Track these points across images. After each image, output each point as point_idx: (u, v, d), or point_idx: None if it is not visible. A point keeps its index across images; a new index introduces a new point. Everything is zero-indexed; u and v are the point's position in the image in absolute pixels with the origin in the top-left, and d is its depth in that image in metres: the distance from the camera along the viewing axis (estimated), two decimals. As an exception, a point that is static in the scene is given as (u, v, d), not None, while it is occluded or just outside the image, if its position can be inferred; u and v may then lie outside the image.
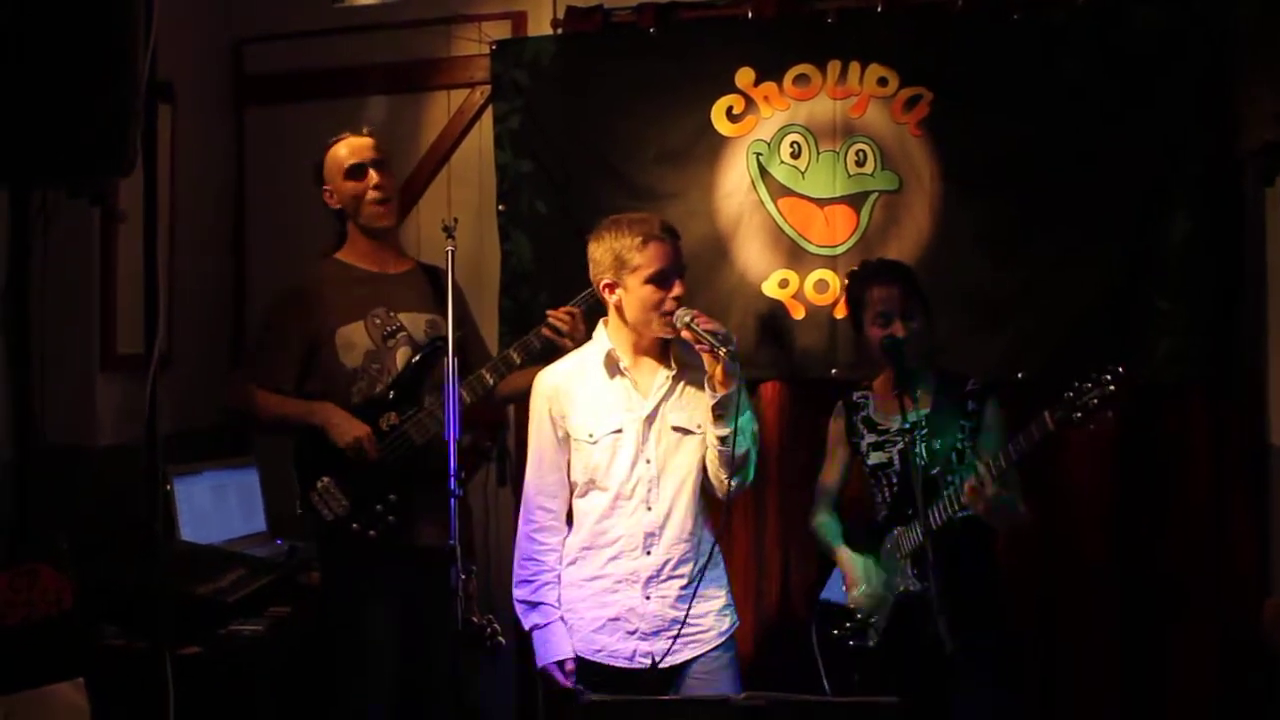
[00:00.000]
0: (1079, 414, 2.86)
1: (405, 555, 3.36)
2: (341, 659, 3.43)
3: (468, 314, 3.73)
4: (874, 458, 3.28)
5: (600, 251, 2.95)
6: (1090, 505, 3.70)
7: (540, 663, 2.99)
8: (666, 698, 2.85)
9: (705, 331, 2.79)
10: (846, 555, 3.29)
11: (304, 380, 3.49)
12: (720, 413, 2.85)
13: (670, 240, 2.92)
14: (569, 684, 2.94)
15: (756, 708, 2.22)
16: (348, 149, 3.49)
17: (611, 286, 2.95)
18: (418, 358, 3.44)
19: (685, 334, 2.85)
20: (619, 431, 2.96)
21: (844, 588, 3.28)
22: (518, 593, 3.05)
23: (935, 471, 3.14)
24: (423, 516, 3.34)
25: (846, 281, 3.44)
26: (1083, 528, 3.71)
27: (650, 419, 2.96)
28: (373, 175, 3.46)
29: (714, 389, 2.85)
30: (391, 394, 3.41)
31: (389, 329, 3.48)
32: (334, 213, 3.56)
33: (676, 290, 2.89)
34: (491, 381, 3.38)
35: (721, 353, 2.77)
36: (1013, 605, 3.35)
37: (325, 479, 3.36)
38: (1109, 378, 2.84)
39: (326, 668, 3.47)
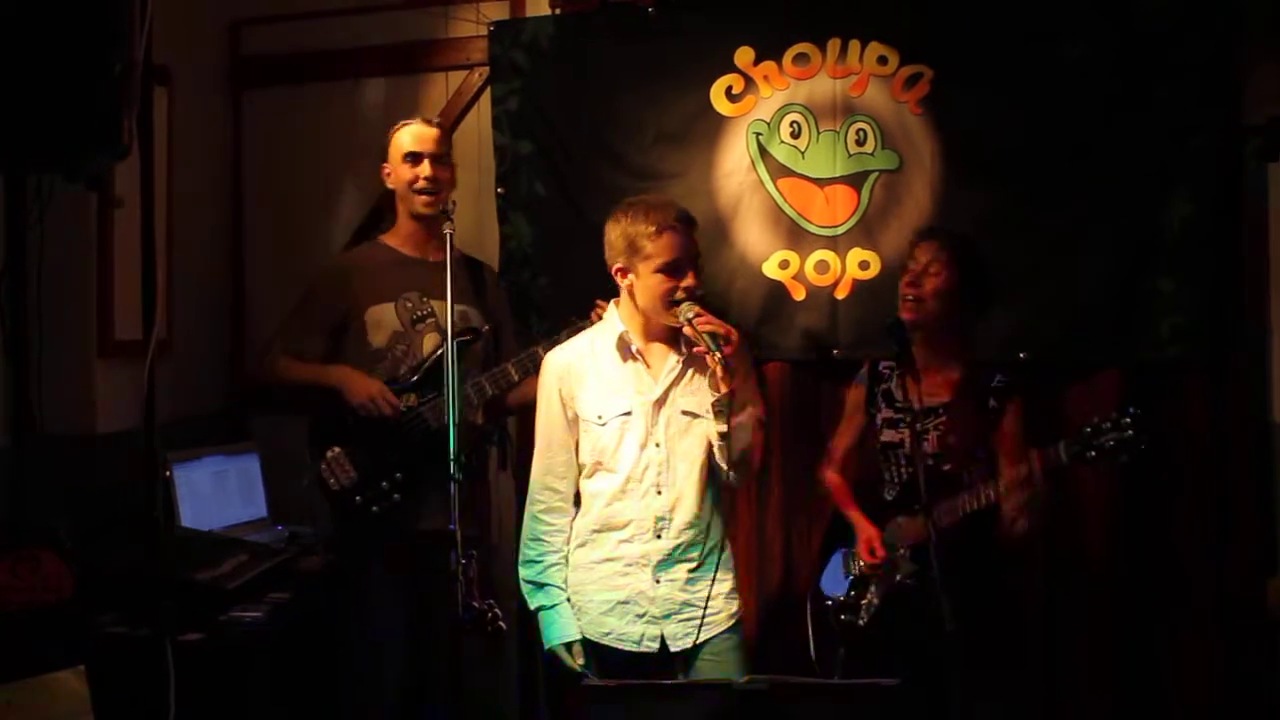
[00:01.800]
0: (1092, 453, 2.89)
1: (414, 538, 3.38)
2: (347, 644, 3.47)
3: (502, 307, 3.78)
4: (887, 435, 3.27)
5: (615, 235, 2.93)
6: (1091, 484, 3.69)
7: (547, 644, 2.98)
8: (668, 681, 2.85)
9: (704, 333, 2.78)
10: (861, 523, 3.29)
11: (333, 356, 3.53)
12: (719, 410, 2.84)
13: (685, 230, 2.90)
14: (576, 665, 2.94)
15: (758, 690, 2.21)
16: (410, 136, 3.55)
17: (624, 271, 2.94)
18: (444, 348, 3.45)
19: (686, 330, 2.84)
20: (628, 414, 2.95)
21: (851, 558, 3.26)
22: (524, 573, 3.04)
23: (947, 468, 3.13)
24: (432, 499, 3.35)
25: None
26: (1084, 507, 3.70)
27: (660, 402, 2.95)
28: (426, 166, 3.51)
29: (713, 388, 2.84)
30: (415, 377, 3.44)
31: (419, 313, 3.52)
32: (387, 192, 3.65)
33: (688, 281, 2.88)
34: (490, 390, 3.45)
35: (716, 357, 2.76)
36: (1013, 589, 3.35)
37: (336, 449, 3.40)
38: (1128, 420, 2.86)
39: (331, 652, 3.48)
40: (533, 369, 3.38)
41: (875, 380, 3.37)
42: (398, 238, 3.62)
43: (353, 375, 3.43)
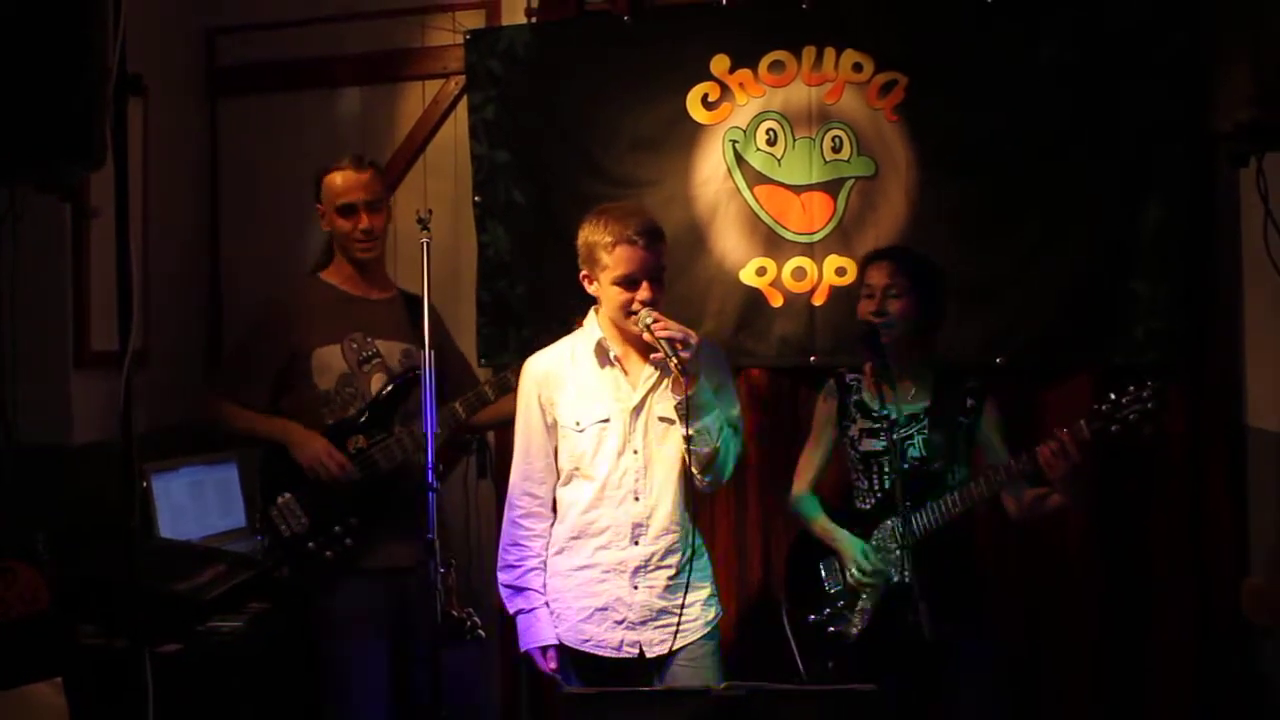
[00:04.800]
0: (1116, 427, 2.85)
1: (376, 577, 3.39)
2: (328, 685, 3.46)
3: (448, 340, 3.75)
4: (867, 444, 3.25)
5: (580, 242, 2.96)
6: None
7: (523, 647, 3.01)
8: (647, 689, 2.86)
9: (661, 339, 2.80)
10: (845, 537, 3.24)
11: (279, 396, 3.51)
12: (682, 414, 2.85)
13: (644, 243, 2.87)
14: (550, 669, 2.96)
15: (736, 697, 2.22)
16: (344, 183, 3.49)
17: (589, 279, 2.96)
18: (392, 386, 3.45)
19: (646, 336, 2.85)
20: (606, 421, 2.96)
21: (837, 569, 3.25)
22: (502, 577, 3.06)
23: (936, 466, 3.13)
24: (388, 539, 3.37)
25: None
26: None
27: (638, 409, 2.96)
28: (364, 218, 3.48)
29: (673, 393, 2.86)
30: (363, 418, 3.42)
31: (365, 354, 3.49)
32: (324, 231, 3.61)
33: (643, 294, 2.87)
34: (464, 415, 3.41)
35: (673, 362, 2.77)
36: (992, 593, 3.36)
37: (286, 495, 3.38)
38: (1148, 393, 2.83)
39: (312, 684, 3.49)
40: (479, 407, 3.42)
41: (845, 392, 3.36)
42: (339, 276, 3.59)
43: (298, 432, 3.39)
